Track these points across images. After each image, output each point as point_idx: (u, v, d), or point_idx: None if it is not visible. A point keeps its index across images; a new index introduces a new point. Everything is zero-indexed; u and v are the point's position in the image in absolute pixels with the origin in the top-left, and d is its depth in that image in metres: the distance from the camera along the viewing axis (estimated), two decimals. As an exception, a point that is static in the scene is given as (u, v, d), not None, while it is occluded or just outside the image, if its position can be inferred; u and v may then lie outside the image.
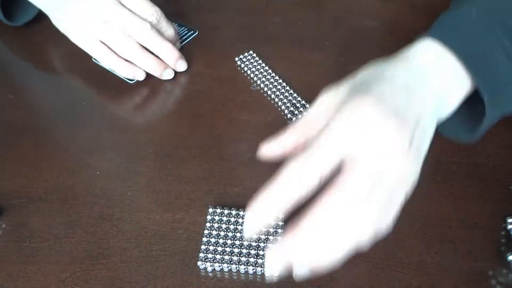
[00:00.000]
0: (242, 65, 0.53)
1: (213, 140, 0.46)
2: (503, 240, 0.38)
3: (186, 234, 0.39)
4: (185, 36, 0.57)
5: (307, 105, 0.48)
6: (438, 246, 0.38)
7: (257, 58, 0.53)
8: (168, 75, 0.51)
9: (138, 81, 0.51)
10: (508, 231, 0.38)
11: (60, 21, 0.51)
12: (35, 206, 0.41)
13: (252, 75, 0.52)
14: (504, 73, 0.35)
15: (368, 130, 0.29)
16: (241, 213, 0.39)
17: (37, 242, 0.38)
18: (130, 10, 0.49)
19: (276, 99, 0.49)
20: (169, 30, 0.52)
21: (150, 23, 0.49)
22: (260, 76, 0.51)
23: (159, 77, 0.50)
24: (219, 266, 0.36)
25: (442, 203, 0.41)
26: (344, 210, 0.28)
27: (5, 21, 0.54)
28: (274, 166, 0.43)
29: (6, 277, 0.36)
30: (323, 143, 0.29)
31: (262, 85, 0.51)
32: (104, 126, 0.47)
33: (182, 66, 0.51)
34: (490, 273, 0.36)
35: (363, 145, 0.29)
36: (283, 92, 0.49)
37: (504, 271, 0.36)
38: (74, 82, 0.51)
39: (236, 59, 0.53)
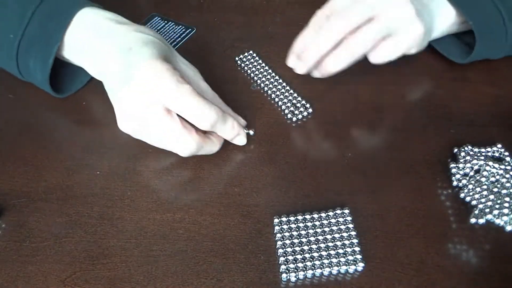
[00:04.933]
0: (242, 65, 0.53)
1: (213, 140, 0.46)
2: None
3: (186, 234, 0.39)
4: (183, 35, 0.57)
5: (307, 105, 0.48)
6: (438, 246, 0.38)
7: (257, 58, 0.53)
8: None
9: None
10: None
11: None
12: (35, 206, 0.41)
13: (252, 75, 0.52)
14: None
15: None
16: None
17: (37, 242, 0.38)
18: None
19: (276, 99, 0.49)
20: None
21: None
22: (260, 76, 0.51)
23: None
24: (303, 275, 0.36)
25: (442, 203, 0.41)
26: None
27: (53, 94, 0.47)
28: (274, 166, 0.44)
29: (6, 277, 0.36)
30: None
31: (262, 85, 0.51)
32: (104, 126, 0.47)
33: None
34: (490, 272, 0.36)
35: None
36: (283, 92, 0.49)
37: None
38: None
39: (236, 59, 0.53)
